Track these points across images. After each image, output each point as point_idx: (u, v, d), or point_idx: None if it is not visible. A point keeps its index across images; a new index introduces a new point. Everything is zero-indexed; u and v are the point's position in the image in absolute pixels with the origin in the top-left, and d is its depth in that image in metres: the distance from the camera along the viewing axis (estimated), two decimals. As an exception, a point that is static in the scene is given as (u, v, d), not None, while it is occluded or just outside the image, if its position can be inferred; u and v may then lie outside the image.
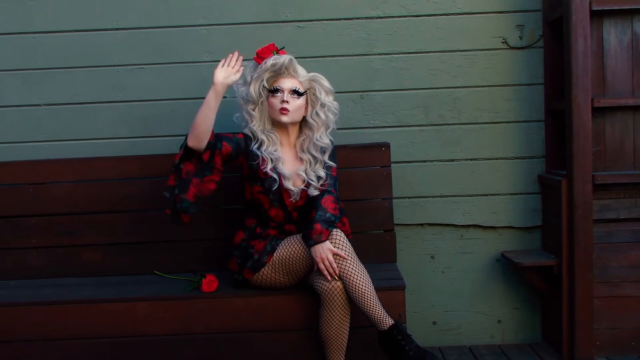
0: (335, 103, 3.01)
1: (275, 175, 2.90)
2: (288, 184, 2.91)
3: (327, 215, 2.83)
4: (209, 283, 2.94)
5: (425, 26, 3.43)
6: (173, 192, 2.88)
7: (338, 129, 3.40)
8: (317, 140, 2.97)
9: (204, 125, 2.82)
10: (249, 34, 3.42)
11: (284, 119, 2.93)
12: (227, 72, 2.86)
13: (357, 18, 3.44)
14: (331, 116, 2.99)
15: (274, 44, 3.01)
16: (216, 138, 2.88)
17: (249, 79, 2.98)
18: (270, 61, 2.93)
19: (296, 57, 3.34)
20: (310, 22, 3.43)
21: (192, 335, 2.88)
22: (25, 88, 3.46)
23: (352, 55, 3.44)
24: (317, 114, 2.97)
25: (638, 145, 3.28)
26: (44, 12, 3.43)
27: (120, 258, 3.31)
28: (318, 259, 2.75)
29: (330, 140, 3.02)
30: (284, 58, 2.93)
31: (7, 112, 3.46)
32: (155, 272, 3.27)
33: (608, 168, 3.28)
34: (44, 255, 3.31)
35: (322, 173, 2.96)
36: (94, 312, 2.88)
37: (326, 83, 2.99)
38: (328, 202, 2.89)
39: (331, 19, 3.44)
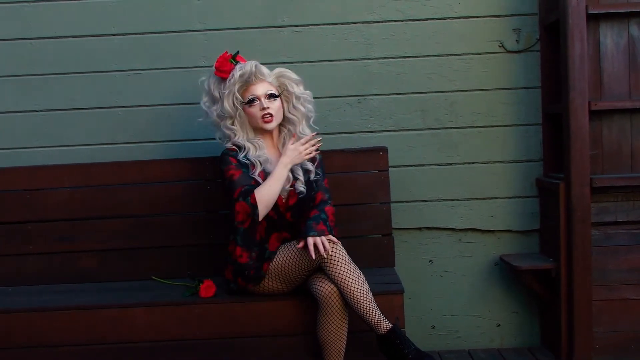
0: (308, 92, 3.00)
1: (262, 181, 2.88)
2: None
3: (327, 224, 2.82)
4: (207, 288, 2.93)
5: (422, 30, 3.43)
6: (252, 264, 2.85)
7: (335, 133, 3.43)
8: (300, 133, 2.97)
9: (274, 198, 2.83)
10: (246, 39, 3.41)
11: (270, 126, 2.92)
12: (299, 155, 2.86)
13: (354, 23, 3.44)
14: (309, 106, 3.00)
15: (227, 52, 2.95)
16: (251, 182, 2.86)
17: (217, 94, 2.94)
18: (237, 72, 2.88)
19: (293, 62, 3.38)
20: (307, 27, 3.43)
21: (189, 341, 2.87)
22: (22, 94, 3.46)
23: (349, 60, 3.44)
24: (294, 107, 2.97)
25: (635, 148, 3.28)
26: (40, 18, 3.43)
27: (117, 264, 3.30)
28: (310, 241, 2.72)
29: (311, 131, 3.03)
30: (249, 66, 2.88)
31: (4, 118, 3.46)
32: (153, 277, 3.26)
33: (606, 171, 3.28)
34: (41, 261, 3.30)
35: (310, 165, 2.97)
36: (92, 318, 2.87)
37: (293, 75, 2.98)
38: (329, 214, 2.89)
39: (328, 24, 3.44)
